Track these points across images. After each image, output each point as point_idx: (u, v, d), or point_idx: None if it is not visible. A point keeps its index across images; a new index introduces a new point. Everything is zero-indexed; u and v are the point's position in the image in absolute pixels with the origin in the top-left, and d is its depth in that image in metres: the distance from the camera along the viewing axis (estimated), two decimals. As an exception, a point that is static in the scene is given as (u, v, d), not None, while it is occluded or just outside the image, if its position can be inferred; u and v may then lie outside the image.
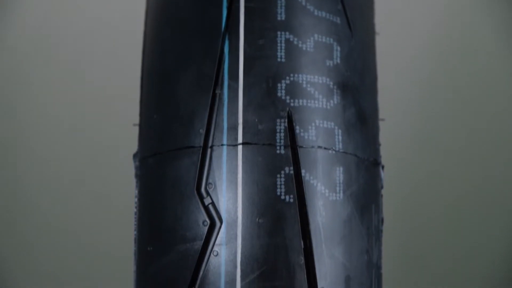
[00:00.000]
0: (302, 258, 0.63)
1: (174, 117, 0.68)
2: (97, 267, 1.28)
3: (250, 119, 0.65)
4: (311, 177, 0.65)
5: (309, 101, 0.66)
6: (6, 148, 1.31)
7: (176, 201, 0.66)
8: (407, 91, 1.33)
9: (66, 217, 1.30)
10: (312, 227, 0.64)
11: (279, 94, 0.66)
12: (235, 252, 0.63)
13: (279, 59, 0.67)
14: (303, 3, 0.69)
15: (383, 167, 0.74)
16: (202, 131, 0.66)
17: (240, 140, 0.65)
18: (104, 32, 1.31)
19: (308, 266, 0.63)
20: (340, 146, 0.67)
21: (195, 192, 0.65)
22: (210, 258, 0.64)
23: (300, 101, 0.66)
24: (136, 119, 0.75)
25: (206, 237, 0.64)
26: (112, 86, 1.30)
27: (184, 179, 0.66)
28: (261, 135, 0.65)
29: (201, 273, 0.64)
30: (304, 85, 0.67)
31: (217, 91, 0.66)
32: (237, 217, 0.64)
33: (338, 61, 0.69)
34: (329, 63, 0.69)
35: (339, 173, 0.67)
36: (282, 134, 0.65)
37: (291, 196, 0.64)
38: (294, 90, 0.66)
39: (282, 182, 0.64)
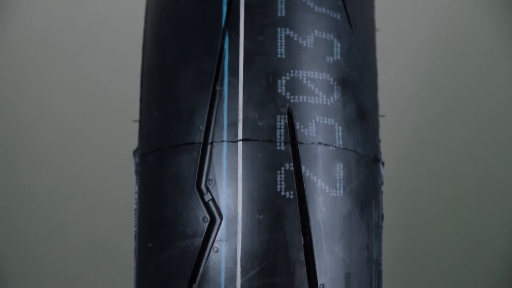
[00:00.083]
0: (302, 255, 0.63)
1: (174, 114, 0.68)
2: (97, 263, 1.28)
3: (250, 115, 0.65)
4: (311, 174, 0.65)
5: (309, 97, 0.66)
6: (5, 145, 1.31)
7: (176, 198, 0.66)
8: (407, 87, 1.33)
9: (66, 214, 1.30)
10: (312, 223, 0.64)
11: (279, 91, 0.66)
12: (235, 249, 0.63)
13: (279, 55, 0.67)
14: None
15: (383, 163, 0.74)
16: (202, 128, 0.66)
17: (240, 136, 0.65)
18: (104, 29, 1.31)
19: (308, 262, 0.63)
20: (340, 142, 0.67)
21: (195, 188, 0.65)
22: (210, 254, 0.64)
23: (300, 97, 0.66)
24: (136, 116, 0.75)
25: (206, 233, 0.64)
26: (112, 83, 1.30)
27: (184, 176, 0.66)
28: (261, 132, 0.65)
29: (201, 269, 0.64)
30: (304, 81, 0.67)
31: (217, 88, 0.66)
32: (237, 214, 0.64)
33: (338, 57, 0.69)
34: (329, 59, 0.69)
35: (339, 169, 0.67)
36: (282, 131, 0.65)
37: (291, 192, 0.64)
38: (294, 86, 0.66)
39: (282, 179, 0.64)
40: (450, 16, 1.34)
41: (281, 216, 0.63)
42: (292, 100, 0.66)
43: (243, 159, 0.64)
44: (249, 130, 0.65)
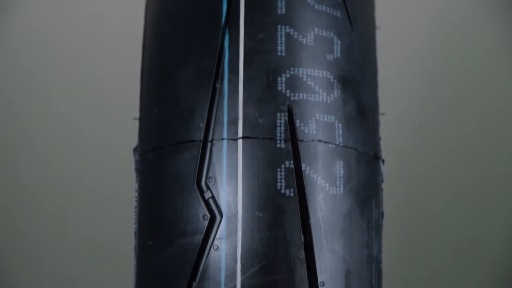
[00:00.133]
0: (302, 252, 0.63)
1: (174, 111, 0.68)
2: (97, 262, 1.28)
3: (250, 113, 0.65)
4: (311, 171, 0.65)
5: (309, 95, 0.66)
6: (5, 144, 1.31)
7: (176, 195, 0.66)
8: (407, 85, 1.33)
9: (65, 213, 1.30)
10: (312, 221, 0.64)
11: (279, 88, 0.66)
12: (235, 246, 0.63)
13: (279, 53, 0.67)
14: (303, -3, 0.69)
15: (383, 161, 0.74)
16: (202, 125, 0.66)
17: (240, 134, 0.65)
18: (103, 27, 1.31)
19: (308, 260, 0.63)
20: (341, 140, 0.67)
21: (195, 186, 0.65)
22: (210, 252, 0.64)
23: (300, 95, 0.66)
24: (136, 114, 0.75)
25: (206, 231, 0.64)
26: (112, 81, 1.30)
27: (184, 173, 0.66)
28: (261, 129, 0.65)
29: (201, 267, 0.64)
30: (305, 79, 0.67)
31: (217, 85, 0.66)
32: (237, 211, 0.64)
33: (339, 55, 0.69)
34: (329, 57, 0.69)
35: (339, 167, 0.66)
36: (282, 128, 0.65)
37: (291, 190, 0.64)
38: (294, 84, 0.66)
39: (282, 176, 0.64)
40: (450, 14, 1.34)
41: (281, 214, 0.63)
42: (292, 98, 0.66)
43: (243, 156, 0.64)
44: (249, 128, 0.65)
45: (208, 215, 0.64)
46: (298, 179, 0.64)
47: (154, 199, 0.69)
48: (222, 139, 0.65)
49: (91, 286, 1.28)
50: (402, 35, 1.30)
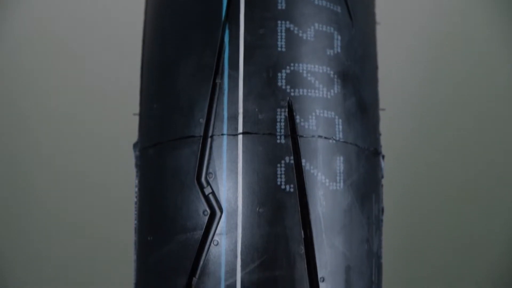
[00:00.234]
0: (302, 248, 0.63)
1: (174, 107, 0.68)
2: (97, 256, 1.28)
3: (250, 108, 0.65)
4: (312, 167, 0.65)
5: (309, 90, 0.66)
6: (5, 142, 1.30)
7: (176, 191, 0.66)
8: (407, 80, 1.33)
9: (65, 207, 1.30)
10: (313, 216, 0.64)
11: (279, 84, 0.66)
12: (235, 242, 0.63)
13: (279, 49, 0.67)
14: (304, -8, 0.69)
15: (383, 156, 0.74)
16: (202, 121, 0.66)
17: (240, 129, 0.65)
18: (104, 22, 1.31)
19: (308, 255, 0.64)
20: (341, 135, 0.67)
21: (195, 181, 0.65)
22: (210, 247, 0.64)
23: (301, 90, 0.66)
24: (136, 109, 0.75)
25: (206, 226, 0.64)
26: (112, 76, 1.29)
27: (184, 169, 0.66)
28: (261, 125, 0.65)
29: (201, 262, 0.64)
30: (305, 75, 0.67)
31: (217, 81, 0.66)
32: (237, 207, 0.64)
33: (339, 50, 0.69)
34: (329, 52, 0.68)
35: (339, 163, 0.66)
36: (283, 124, 0.65)
37: (292, 185, 0.64)
38: (294, 79, 0.66)
39: (283, 172, 0.64)
40: (450, 10, 1.34)
41: (281, 209, 0.63)
42: (292, 93, 0.66)
43: (243, 152, 0.64)
44: (249, 123, 0.65)
45: (208, 211, 0.64)
46: (298, 174, 0.64)
47: (154, 194, 0.69)
48: (222, 134, 0.65)
49: (91, 281, 1.29)
50: (402, 30, 1.30)
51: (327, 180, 0.65)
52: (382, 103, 0.76)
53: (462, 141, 1.33)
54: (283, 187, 0.64)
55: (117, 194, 1.18)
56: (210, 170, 0.65)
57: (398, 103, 1.27)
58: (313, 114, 0.66)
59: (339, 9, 0.70)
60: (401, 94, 1.31)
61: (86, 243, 1.29)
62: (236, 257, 0.63)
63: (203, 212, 0.64)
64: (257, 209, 0.63)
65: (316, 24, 0.68)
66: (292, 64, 0.66)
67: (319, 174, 0.65)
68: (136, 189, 0.72)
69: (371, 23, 0.77)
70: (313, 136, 0.66)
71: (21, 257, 1.29)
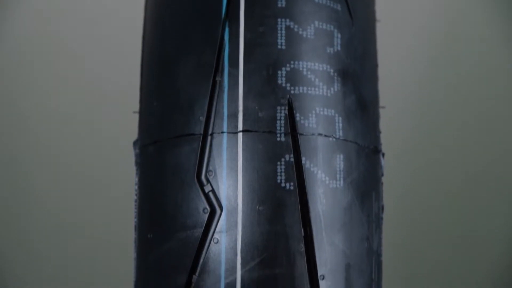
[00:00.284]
0: (302, 246, 0.63)
1: (174, 105, 0.68)
2: (97, 254, 1.28)
3: (250, 106, 0.65)
4: (312, 165, 0.65)
5: (309, 88, 0.66)
6: (4, 140, 1.30)
7: (176, 189, 0.66)
8: (407, 78, 1.33)
9: (65, 205, 1.30)
10: (313, 214, 0.64)
11: (279, 82, 0.66)
12: (235, 240, 0.63)
13: (279, 46, 0.67)
14: (304, -10, 0.69)
15: (383, 154, 0.74)
16: (202, 119, 0.66)
17: (240, 127, 0.65)
18: (103, 20, 1.31)
19: (308, 253, 0.64)
20: (341, 133, 0.67)
21: (195, 179, 0.65)
22: (210, 245, 0.64)
23: (301, 88, 0.66)
24: (136, 107, 0.74)
25: (206, 224, 0.64)
26: (112, 74, 1.29)
27: (184, 167, 0.66)
28: (261, 123, 0.65)
29: (201, 260, 0.64)
30: (305, 72, 0.67)
31: (217, 79, 0.66)
32: (237, 205, 0.64)
33: (339, 48, 0.69)
34: (329, 50, 0.68)
35: (339, 161, 0.66)
36: (283, 122, 0.65)
37: (292, 183, 0.64)
38: (294, 77, 0.66)
39: (283, 170, 0.64)
40: (450, 8, 1.34)
41: (281, 207, 0.63)
42: (292, 91, 0.66)
43: (243, 150, 0.64)
44: (249, 121, 0.65)
45: (208, 209, 0.64)
46: (298, 172, 0.64)
47: (154, 192, 0.69)
48: (222, 132, 0.65)
49: (91, 281, 1.29)
50: (402, 28, 1.30)
51: (327, 178, 0.65)
52: (382, 101, 0.76)
53: (462, 138, 1.33)
54: (283, 185, 0.64)
55: (117, 191, 1.18)
56: (210, 168, 0.65)
57: (398, 101, 1.27)
58: (313, 112, 0.66)
59: (339, 7, 0.70)
60: (401, 92, 1.31)
61: (86, 242, 1.29)
62: (236, 255, 0.63)
63: (203, 210, 0.64)
64: (257, 207, 0.63)
65: (316, 22, 0.68)
66: (292, 62, 0.66)
67: (319, 172, 0.65)
68: (136, 187, 0.72)
69: (371, 21, 0.77)
70: (313, 134, 0.66)
71: (21, 257, 1.29)
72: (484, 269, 1.28)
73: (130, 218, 0.76)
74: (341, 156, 0.67)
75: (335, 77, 0.68)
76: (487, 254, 1.29)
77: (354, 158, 0.68)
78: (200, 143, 0.65)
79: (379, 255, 0.71)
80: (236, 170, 0.64)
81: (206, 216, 0.64)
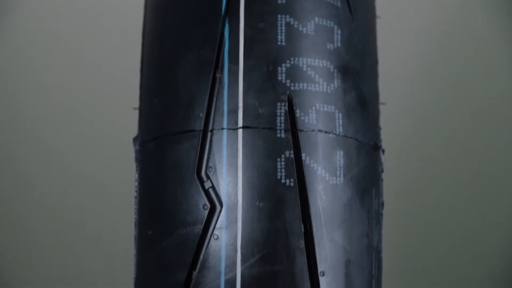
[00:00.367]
0: (302, 242, 0.63)
1: (174, 101, 0.68)
2: (96, 251, 1.28)
3: (250, 102, 0.65)
4: (312, 161, 0.65)
5: (309, 84, 0.66)
6: (4, 138, 1.30)
7: (176, 185, 0.66)
8: (407, 75, 1.33)
9: (65, 201, 1.30)
10: (313, 211, 0.64)
11: (279, 78, 0.66)
12: (235, 236, 0.63)
13: (279, 43, 0.67)
14: (304, -14, 0.69)
15: (383, 151, 0.74)
16: (202, 115, 0.66)
17: (240, 123, 0.65)
18: (103, 16, 1.31)
19: (308, 249, 0.64)
20: (341, 130, 0.67)
21: (196, 176, 0.65)
22: (211, 241, 0.64)
23: (301, 84, 0.66)
24: (136, 103, 0.74)
25: (206, 220, 0.64)
26: (112, 71, 1.29)
27: (184, 163, 0.66)
28: (261, 119, 0.65)
29: (201, 256, 0.64)
30: (305, 69, 0.66)
31: (217, 75, 0.66)
32: (237, 201, 0.64)
33: (339, 44, 0.69)
34: (329, 46, 0.68)
35: (339, 157, 0.66)
36: (283, 118, 0.65)
37: (292, 180, 0.64)
38: (294, 73, 0.66)
39: (283, 166, 0.64)
40: (451, 3, 1.33)
41: (281, 204, 0.63)
42: (292, 88, 0.66)
43: (243, 146, 0.64)
44: (249, 118, 0.65)
45: (208, 205, 0.64)
46: (298, 169, 0.64)
47: (154, 189, 0.69)
48: (222, 128, 0.65)
49: (91, 278, 1.29)
50: (402, 25, 1.30)
51: (327, 175, 0.65)
52: (382, 97, 0.76)
53: (462, 134, 1.33)
54: (283, 181, 0.64)
55: (117, 188, 1.18)
56: (210, 164, 0.65)
57: (398, 97, 1.27)
58: (313, 108, 0.66)
59: (339, 4, 0.70)
60: (401, 89, 1.30)
61: (86, 240, 1.29)
62: (236, 251, 0.63)
63: (203, 206, 0.64)
64: (257, 203, 0.63)
65: (316, 18, 0.68)
66: (292, 58, 0.66)
67: (319, 168, 0.65)
68: (136, 183, 0.72)
69: (371, 17, 0.77)
70: (313, 130, 0.66)
71: (21, 256, 1.29)
72: (484, 266, 1.28)
73: (130, 215, 0.76)
74: (341, 152, 0.67)
75: (335, 74, 0.68)
76: (487, 250, 1.29)
77: (354, 154, 0.68)
78: (200, 139, 0.65)
79: (379, 251, 0.71)
80: (236, 167, 0.64)
81: (206, 212, 0.64)
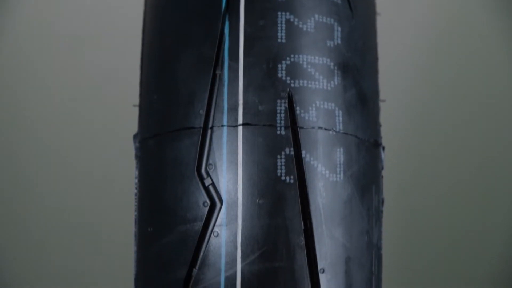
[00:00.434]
0: (302, 239, 0.63)
1: (174, 98, 0.68)
2: (96, 248, 1.28)
3: (250, 100, 0.65)
4: (312, 158, 0.65)
5: (309, 82, 0.66)
6: (4, 136, 1.30)
7: (176, 182, 0.66)
8: (408, 72, 1.33)
9: (65, 198, 1.30)
10: (313, 208, 0.64)
11: (279, 75, 0.66)
12: (236, 233, 0.63)
13: (279, 40, 0.67)
14: (304, -17, 0.69)
15: (383, 148, 0.74)
16: (202, 112, 0.65)
17: (240, 121, 0.65)
18: (103, 13, 1.31)
19: (308, 247, 0.64)
20: (341, 127, 0.67)
21: (196, 173, 0.65)
22: (211, 239, 0.64)
23: (301, 81, 0.66)
24: (136, 100, 0.74)
25: (206, 218, 0.64)
26: (111, 68, 1.29)
27: (184, 160, 0.66)
28: (261, 116, 0.65)
29: (201, 254, 0.64)
30: (305, 66, 0.66)
31: (217, 72, 0.66)
32: (237, 198, 0.64)
33: (339, 41, 0.69)
34: (329, 43, 0.68)
35: (339, 154, 0.66)
36: (283, 115, 0.65)
37: (292, 177, 0.64)
38: (294, 70, 0.66)
39: (283, 163, 0.64)
40: (451, 1, 1.33)
41: (281, 201, 0.63)
42: (292, 85, 0.66)
43: (243, 143, 0.64)
44: (249, 115, 0.65)
45: (208, 202, 0.64)
46: (298, 166, 0.64)
47: (154, 186, 0.69)
48: (222, 126, 0.65)
49: (90, 273, 1.29)
50: (403, 22, 1.30)
51: (327, 172, 0.65)
52: (382, 95, 0.76)
53: (462, 132, 1.33)
54: (283, 178, 0.64)
55: (117, 185, 1.18)
56: (210, 161, 0.65)
57: (398, 94, 1.27)
58: (313, 105, 0.66)
59: (339, 0, 0.70)
60: (401, 86, 1.30)
61: (86, 238, 1.29)
62: (236, 248, 0.63)
63: (203, 203, 0.64)
64: (257, 200, 0.63)
65: (316, 16, 0.68)
66: (292, 56, 0.66)
67: (319, 165, 0.65)
68: (136, 181, 0.72)
69: (371, 14, 0.77)
70: (313, 128, 0.66)
71: (21, 255, 1.29)
72: (484, 262, 1.28)
73: (130, 212, 0.76)
74: (341, 149, 0.67)
75: (335, 71, 0.68)
76: (487, 248, 1.29)
77: (354, 151, 0.68)
78: (200, 136, 0.65)
79: (379, 248, 0.71)
80: (236, 164, 0.64)
81: (206, 209, 0.64)
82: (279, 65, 0.66)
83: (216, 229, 0.64)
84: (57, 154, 1.31)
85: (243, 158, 0.64)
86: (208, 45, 0.67)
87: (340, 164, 0.66)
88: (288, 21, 0.67)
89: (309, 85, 0.66)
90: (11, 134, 1.30)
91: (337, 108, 0.67)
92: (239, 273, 0.63)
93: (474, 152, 1.32)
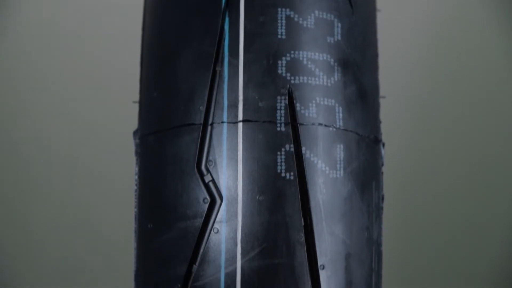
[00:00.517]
0: (302, 235, 0.63)
1: (174, 95, 0.68)
2: (96, 245, 1.28)
3: (250, 96, 0.65)
4: (312, 155, 0.65)
5: (309, 78, 0.66)
6: (4, 135, 1.30)
7: (176, 179, 0.66)
8: (408, 68, 1.33)
9: (65, 195, 1.30)
10: (313, 204, 0.64)
11: (279, 71, 0.66)
12: (236, 230, 0.63)
13: (279, 36, 0.67)
14: (304, -20, 0.68)
15: (383, 144, 0.74)
16: (202, 108, 0.65)
17: (240, 117, 0.65)
18: (103, 10, 1.30)
19: (308, 243, 0.64)
20: (341, 123, 0.67)
21: (196, 169, 0.65)
22: (211, 235, 0.64)
23: (301, 78, 0.66)
24: (136, 97, 0.74)
25: (206, 214, 0.64)
26: (112, 64, 1.29)
27: (184, 157, 0.66)
28: (261, 112, 0.65)
29: (201, 250, 0.64)
30: (305, 62, 0.66)
31: (217, 68, 0.66)
32: (237, 195, 0.64)
33: (339, 37, 0.69)
34: (330, 39, 0.68)
35: (339, 151, 0.66)
36: (283, 111, 0.65)
37: (292, 173, 0.64)
38: (294, 67, 0.66)
39: (283, 160, 0.64)
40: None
41: (281, 197, 0.63)
42: (292, 81, 0.66)
43: (243, 140, 0.64)
44: (250, 111, 0.65)
45: (208, 199, 0.64)
46: (298, 162, 0.64)
47: (154, 182, 0.69)
48: (222, 122, 0.65)
49: (90, 270, 1.29)
50: (403, 18, 1.30)
51: (327, 168, 0.65)
52: (382, 91, 0.76)
53: (462, 128, 1.33)
54: (283, 175, 0.64)
55: (117, 182, 1.18)
56: (210, 158, 0.65)
57: (398, 90, 1.27)
58: (313, 101, 0.66)
59: (339, -3, 0.70)
60: (401, 82, 1.30)
61: (86, 235, 1.29)
62: (236, 245, 0.63)
63: (203, 200, 0.64)
64: (257, 197, 0.63)
65: (317, 12, 0.68)
66: (292, 52, 0.66)
67: (319, 162, 0.65)
68: (136, 177, 0.72)
69: (371, 10, 0.76)
70: (313, 124, 0.65)
71: (21, 255, 1.29)
72: (484, 259, 1.28)
73: (130, 209, 0.76)
74: (341, 146, 0.67)
75: (336, 67, 0.68)
76: (487, 244, 1.29)
77: (354, 148, 0.68)
78: (200, 133, 0.65)
79: (379, 244, 0.71)
80: (236, 160, 0.64)
81: (206, 206, 0.64)
82: (279, 62, 0.66)
83: (216, 225, 0.64)
84: (57, 151, 1.31)
85: (243, 154, 0.64)
86: (208, 42, 0.67)
87: (340, 160, 0.66)
88: (288, 17, 0.67)
89: (309, 82, 0.66)
90: (11, 133, 1.30)
91: (337, 105, 0.67)
92: (239, 270, 0.63)
93: (474, 148, 1.32)
